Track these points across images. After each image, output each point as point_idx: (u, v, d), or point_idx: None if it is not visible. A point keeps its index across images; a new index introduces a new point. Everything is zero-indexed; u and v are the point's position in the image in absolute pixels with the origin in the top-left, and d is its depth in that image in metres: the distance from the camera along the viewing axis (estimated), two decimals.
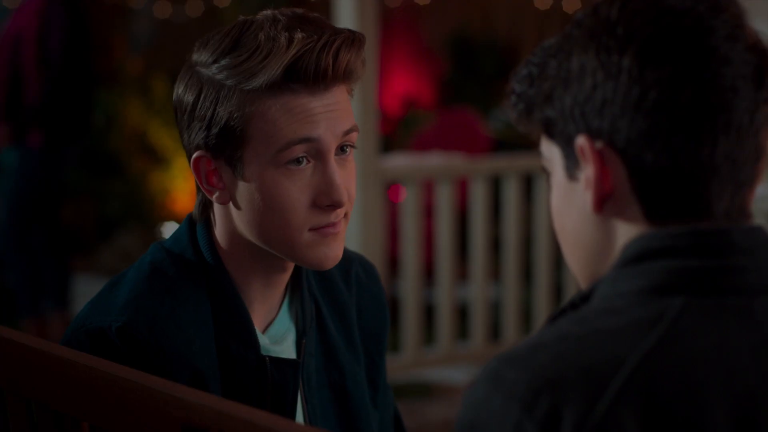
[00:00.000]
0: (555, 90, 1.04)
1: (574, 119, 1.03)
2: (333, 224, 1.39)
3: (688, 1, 1.01)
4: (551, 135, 1.06)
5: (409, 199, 4.25)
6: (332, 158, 1.38)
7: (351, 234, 3.95)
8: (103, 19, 6.80)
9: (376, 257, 3.99)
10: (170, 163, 6.24)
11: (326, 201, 1.38)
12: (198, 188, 1.43)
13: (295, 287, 1.49)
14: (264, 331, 1.46)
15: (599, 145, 1.01)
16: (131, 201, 6.27)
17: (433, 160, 5.31)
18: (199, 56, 1.38)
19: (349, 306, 1.56)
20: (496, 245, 4.75)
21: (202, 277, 1.42)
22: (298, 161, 1.36)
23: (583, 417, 0.92)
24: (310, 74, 1.34)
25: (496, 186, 4.64)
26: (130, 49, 7.34)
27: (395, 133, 7.27)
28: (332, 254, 1.40)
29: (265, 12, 1.40)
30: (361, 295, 1.58)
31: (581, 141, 1.02)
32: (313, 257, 1.39)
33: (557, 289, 4.67)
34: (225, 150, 1.37)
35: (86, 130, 4.99)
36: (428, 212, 4.74)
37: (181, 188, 6.23)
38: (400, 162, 5.29)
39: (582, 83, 1.02)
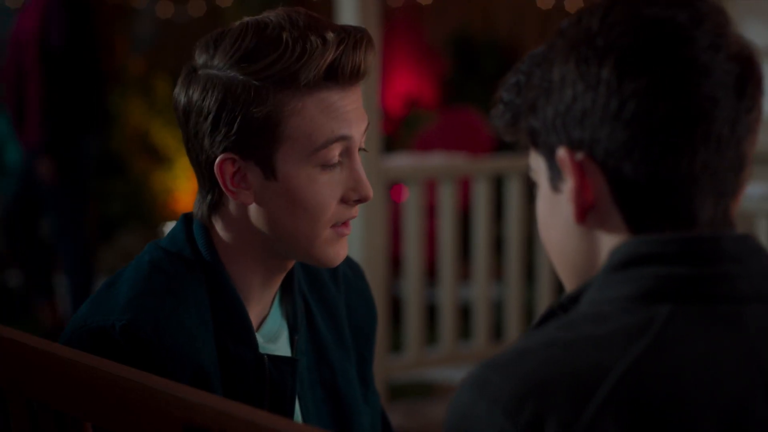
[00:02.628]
0: (539, 100, 1.04)
1: (555, 130, 1.02)
2: (347, 223, 1.43)
3: (668, 12, 1.00)
4: (536, 145, 1.06)
5: (411, 198, 4.25)
6: (358, 154, 1.42)
7: (353, 233, 3.93)
8: (105, 18, 6.79)
9: (378, 257, 3.99)
10: (172, 163, 6.24)
11: (355, 196, 1.42)
12: (207, 190, 1.41)
13: (285, 286, 1.50)
14: (257, 330, 1.46)
15: (579, 156, 1.01)
16: (133, 201, 6.27)
17: (436, 160, 5.32)
18: (212, 59, 1.37)
19: (338, 304, 1.57)
20: (498, 245, 4.74)
21: (200, 276, 1.42)
22: (333, 161, 1.39)
23: (569, 425, 0.91)
24: (347, 72, 1.37)
25: (498, 186, 4.63)
26: (132, 48, 7.33)
27: (397, 132, 7.27)
28: (343, 252, 1.45)
29: (275, 12, 1.39)
30: (349, 293, 1.60)
31: (561, 153, 1.02)
32: (330, 254, 1.42)
33: (559, 288, 4.66)
34: (257, 150, 1.37)
35: (97, 127, 5.01)
36: (430, 212, 4.73)
37: (183, 188, 6.23)
38: (403, 162, 5.29)
39: (563, 94, 1.01)
